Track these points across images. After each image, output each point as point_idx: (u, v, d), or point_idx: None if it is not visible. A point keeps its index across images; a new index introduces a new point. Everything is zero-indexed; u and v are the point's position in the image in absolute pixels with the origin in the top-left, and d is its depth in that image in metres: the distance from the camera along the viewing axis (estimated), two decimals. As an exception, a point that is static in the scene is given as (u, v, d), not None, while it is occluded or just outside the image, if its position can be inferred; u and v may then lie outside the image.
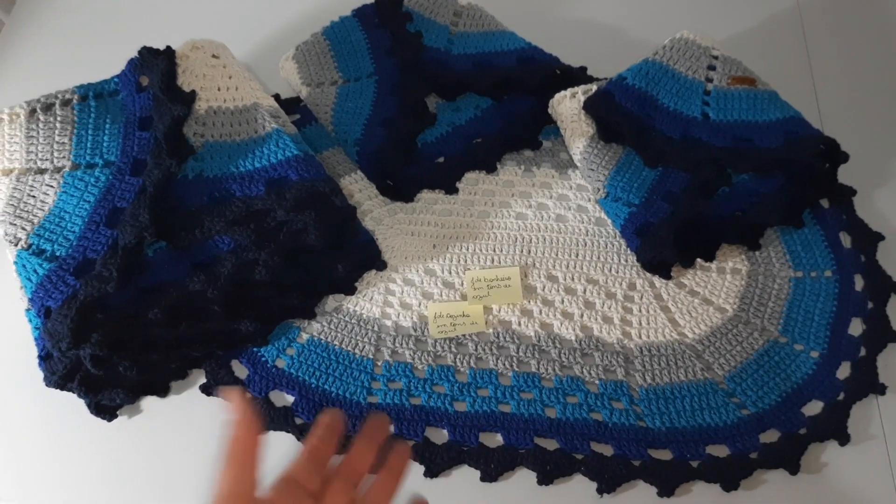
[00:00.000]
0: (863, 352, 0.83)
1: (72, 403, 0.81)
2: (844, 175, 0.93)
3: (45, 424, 0.82)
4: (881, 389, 0.81)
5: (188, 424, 0.82)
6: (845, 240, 0.91)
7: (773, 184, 0.92)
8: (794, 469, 0.76)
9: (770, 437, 0.78)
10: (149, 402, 0.83)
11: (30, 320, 0.82)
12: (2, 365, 0.87)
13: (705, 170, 0.91)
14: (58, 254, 0.80)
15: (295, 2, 1.18)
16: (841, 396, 0.80)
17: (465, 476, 0.78)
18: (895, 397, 0.81)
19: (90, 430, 0.82)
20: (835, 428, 0.79)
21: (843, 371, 0.82)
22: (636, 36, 1.12)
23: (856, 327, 0.85)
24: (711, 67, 0.98)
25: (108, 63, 0.95)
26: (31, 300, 0.79)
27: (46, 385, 0.79)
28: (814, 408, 0.80)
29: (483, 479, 0.77)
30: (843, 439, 0.78)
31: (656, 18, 1.15)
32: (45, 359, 0.79)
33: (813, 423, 0.79)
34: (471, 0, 1.10)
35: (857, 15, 1.14)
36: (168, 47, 0.93)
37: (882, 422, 0.80)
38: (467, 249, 0.92)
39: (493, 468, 0.78)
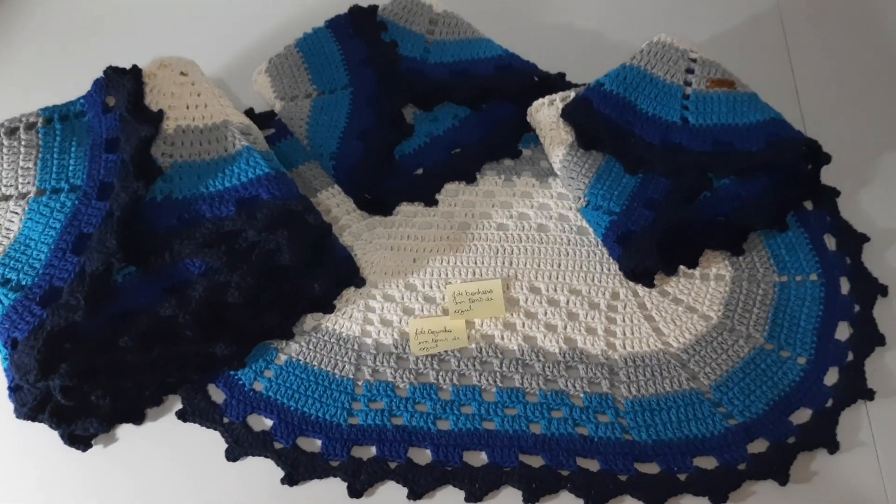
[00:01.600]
0: (850, 356, 0.82)
1: (46, 434, 0.79)
2: (828, 176, 0.93)
3: (19, 457, 0.80)
4: (870, 395, 0.80)
5: (165, 451, 0.80)
6: (830, 242, 0.90)
7: (756, 187, 0.91)
8: (783, 479, 0.75)
9: (758, 446, 0.77)
10: (124, 430, 0.81)
11: (-1, 350, 0.80)
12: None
13: (686, 175, 0.90)
14: (23, 283, 0.78)
15: (267, 14, 1.16)
16: (829, 403, 0.79)
17: (450, 497, 0.76)
18: (884, 402, 0.80)
19: (66, 461, 0.79)
20: (824, 436, 0.77)
21: (831, 377, 0.81)
22: (615, 40, 1.11)
23: (843, 331, 0.84)
24: (690, 70, 0.96)
25: (74, 83, 0.93)
26: (-4, 331, 0.77)
27: (17, 417, 0.77)
28: (802, 416, 0.79)
29: (468, 499, 0.76)
30: (833, 447, 0.77)
31: (634, 22, 1.14)
32: (14, 390, 0.77)
33: (801, 431, 0.78)
34: (446, 7, 1.08)
35: (838, 14, 1.13)
36: (134, 66, 0.91)
37: (871, 428, 0.78)
38: (448, 262, 0.91)
39: (477, 488, 0.76)
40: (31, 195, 0.84)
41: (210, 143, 0.88)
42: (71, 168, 0.85)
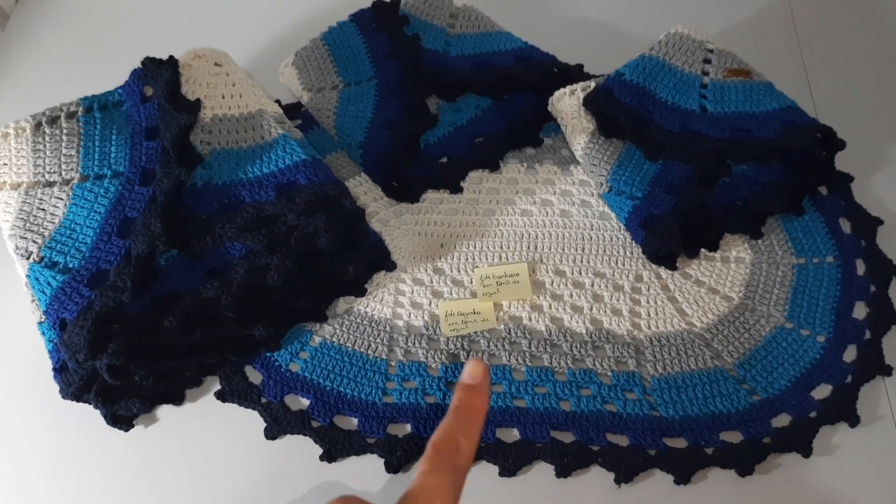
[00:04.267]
0: (868, 335, 0.85)
1: (86, 416, 0.81)
2: (841, 162, 0.95)
3: (61, 438, 0.82)
4: (888, 371, 0.82)
5: (204, 432, 0.82)
6: (845, 225, 0.93)
7: (773, 173, 0.94)
8: (807, 452, 0.77)
9: (782, 421, 0.80)
10: (164, 411, 0.83)
11: (42, 333, 0.82)
12: (14, 379, 0.86)
13: (705, 161, 0.93)
14: (70, 265, 0.80)
15: (292, 9, 1.19)
16: (849, 379, 0.82)
17: (484, 472, 0.79)
18: (902, 378, 0.82)
19: (106, 442, 0.81)
20: (844, 410, 0.80)
21: (850, 354, 0.84)
22: (631, 32, 1.14)
23: (860, 311, 0.87)
24: (707, 61, 0.99)
25: (109, 75, 0.95)
26: (45, 313, 0.79)
27: (63, 397, 0.79)
28: (823, 391, 0.81)
29: (501, 473, 0.78)
30: (853, 421, 0.79)
31: (650, 14, 1.16)
32: (60, 371, 0.79)
33: (823, 406, 0.80)
34: (466, 2, 1.11)
35: (848, 2, 1.16)
36: (171, 57, 0.93)
37: (890, 402, 0.81)
38: (475, 247, 0.93)
39: (511, 463, 0.78)
40: (75, 181, 0.86)
41: (246, 130, 0.91)
42: (113, 155, 0.87)
